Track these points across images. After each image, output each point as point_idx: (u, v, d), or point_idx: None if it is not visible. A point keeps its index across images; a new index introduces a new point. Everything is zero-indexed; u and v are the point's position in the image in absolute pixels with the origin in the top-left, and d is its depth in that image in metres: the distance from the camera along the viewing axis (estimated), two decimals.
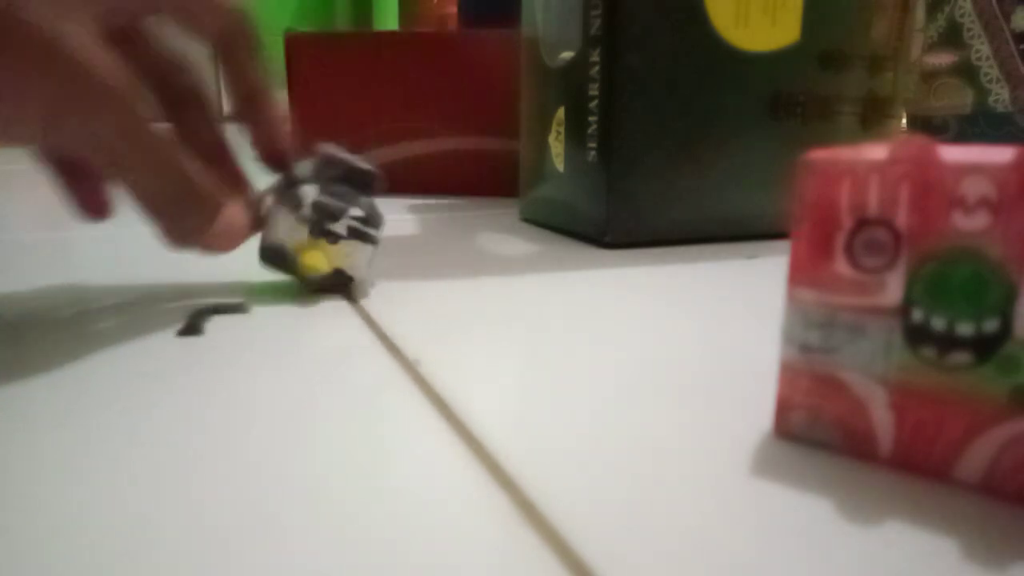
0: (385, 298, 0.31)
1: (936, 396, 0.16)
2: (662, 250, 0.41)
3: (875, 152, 0.17)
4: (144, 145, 0.23)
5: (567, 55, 0.42)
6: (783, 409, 0.19)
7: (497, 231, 0.47)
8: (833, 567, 0.13)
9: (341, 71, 0.63)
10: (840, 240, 0.17)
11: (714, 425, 0.19)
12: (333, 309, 0.29)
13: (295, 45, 0.63)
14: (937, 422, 0.16)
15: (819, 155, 0.17)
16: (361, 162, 0.30)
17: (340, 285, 0.31)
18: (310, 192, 0.29)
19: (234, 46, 0.26)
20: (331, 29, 1.94)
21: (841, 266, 0.17)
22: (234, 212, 0.27)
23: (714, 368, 0.23)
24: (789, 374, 0.18)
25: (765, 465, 0.17)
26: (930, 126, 0.59)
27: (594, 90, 0.40)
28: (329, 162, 0.30)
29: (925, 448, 0.16)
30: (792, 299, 0.18)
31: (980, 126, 0.55)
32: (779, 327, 0.27)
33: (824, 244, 0.17)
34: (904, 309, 0.16)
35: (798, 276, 0.18)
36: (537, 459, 0.17)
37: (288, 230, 0.29)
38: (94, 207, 0.29)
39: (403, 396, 0.21)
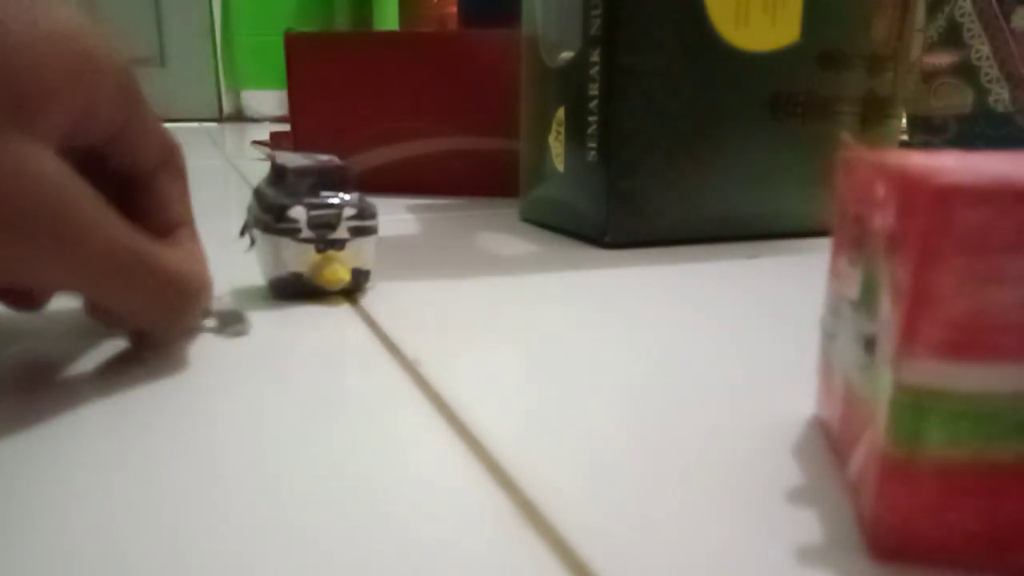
0: (385, 298, 0.31)
1: (855, 395, 0.16)
2: (662, 250, 0.41)
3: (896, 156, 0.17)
4: (176, 311, 0.22)
5: (567, 55, 0.42)
6: (820, 392, 0.19)
7: (497, 231, 0.47)
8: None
9: (341, 71, 0.63)
10: (846, 233, 0.17)
11: (713, 425, 0.19)
12: (333, 310, 0.29)
13: (295, 45, 0.63)
14: (850, 420, 0.16)
15: (851, 152, 0.17)
16: (329, 161, 0.30)
17: (361, 283, 0.31)
18: (300, 212, 0.29)
19: (166, 177, 0.24)
20: (331, 29, 1.94)
21: (844, 258, 0.17)
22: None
23: (713, 368, 0.23)
24: (820, 357, 0.19)
25: (763, 465, 0.17)
26: (930, 126, 0.59)
27: (594, 90, 0.40)
28: (300, 174, 0.29)
29: (846, 443, 0.17)
30: (828, 287, 0.19)
31: (980, 126, 0.55)
32: (781, 327, 0.27)
33: (841, 236, 0.18)
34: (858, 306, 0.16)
35: (832, 265, 0.18)
36: (537, 459, 0.17)
37: (295, 256, 0.29)
38: (26, 300, 0.26)
39: (403, 396, 0.21)
